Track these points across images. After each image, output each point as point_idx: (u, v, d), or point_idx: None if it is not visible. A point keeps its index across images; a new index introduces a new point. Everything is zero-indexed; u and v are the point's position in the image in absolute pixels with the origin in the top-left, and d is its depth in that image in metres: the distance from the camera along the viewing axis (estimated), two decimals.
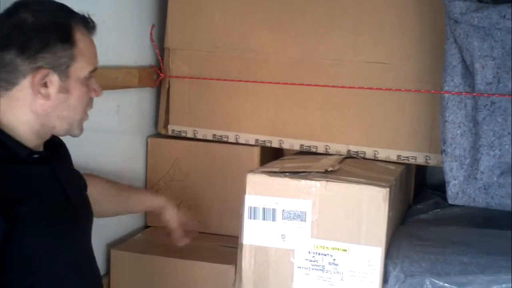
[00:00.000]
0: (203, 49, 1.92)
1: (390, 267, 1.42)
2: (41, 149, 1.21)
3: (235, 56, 1.89)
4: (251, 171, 1.51)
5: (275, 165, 1.59)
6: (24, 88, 1.14)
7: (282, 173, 1.48)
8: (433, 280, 1.36)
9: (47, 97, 1.15)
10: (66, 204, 1.21)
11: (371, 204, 1.40)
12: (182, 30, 1.94)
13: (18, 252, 1.10)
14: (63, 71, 1.15)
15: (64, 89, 1.16)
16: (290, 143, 1.85)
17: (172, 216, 1.63)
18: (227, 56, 1.90)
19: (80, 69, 1.17)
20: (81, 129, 1.24)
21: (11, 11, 1.14)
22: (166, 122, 1.99)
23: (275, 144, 1.87)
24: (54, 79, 1.15)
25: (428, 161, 1.74)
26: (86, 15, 1.20)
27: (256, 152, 1.87)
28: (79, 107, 1.20)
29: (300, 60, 1.82)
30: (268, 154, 1.91)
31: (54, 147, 1.26)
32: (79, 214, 1.25)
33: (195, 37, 1.93)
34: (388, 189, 1.40)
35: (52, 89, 1.15)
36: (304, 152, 1.84)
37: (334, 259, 1.43)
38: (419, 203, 1.94)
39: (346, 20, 1.77)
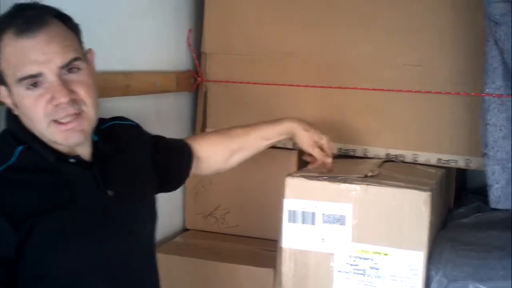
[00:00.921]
0: (239, 53, 1.93)
1: (432, 272, 1.40)
2: (79, 152, 1.15)
3: (271, 59, 1.89)
4: (290, 174, 1.51)
5: (314, 169, 1.59)
6: None
7: (321, 176, 1.48)
8: (476, 285, 1.34)
9: (14, 107, 1.11)
10: (103, 210, 1.15)
11: (412, 208, 1.39)
12: (218, 34, 1.96)
13: (34, 264, 1.05)
14: (4, 82, 1.10)
15: (12, 100, 1.11)
16: None
17: (303, 141, 1.53)
18: (263, 60, 1.90)
19: (11, 78, 1.08)
20: (67, 138, 1.11)
21: None
22: (204, 126, 2.00)
23: None
24: (2, 91, 1.11)
25: (469, 164, 1.71)
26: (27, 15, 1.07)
27: (294, 156, 1.87)
28: (34, 117, 1.09)
29: (337, 63, 1.82)
30: None
31: (108, 149, 1.21)
32: (122, 220, 1.18)
33: (231, 41, 1.94)
34: (429, 193, 1.38)
35: (8, 101, 1.12)
36: (342, 156, 1.83)
37: (375, 263, 1.42)
38: (460, 207, 1.91)
39: (383, 23, 1.76)
